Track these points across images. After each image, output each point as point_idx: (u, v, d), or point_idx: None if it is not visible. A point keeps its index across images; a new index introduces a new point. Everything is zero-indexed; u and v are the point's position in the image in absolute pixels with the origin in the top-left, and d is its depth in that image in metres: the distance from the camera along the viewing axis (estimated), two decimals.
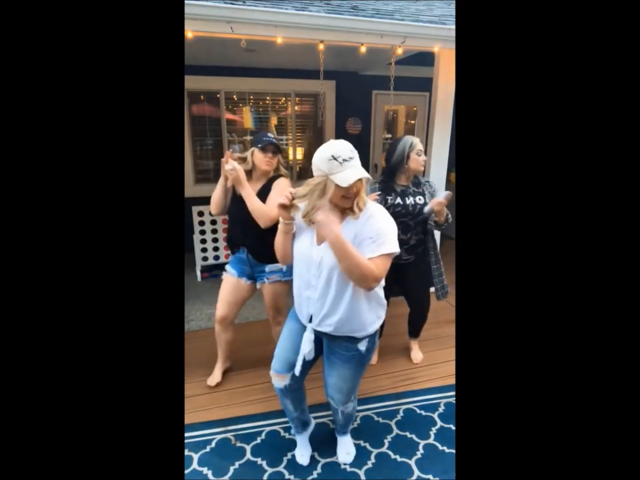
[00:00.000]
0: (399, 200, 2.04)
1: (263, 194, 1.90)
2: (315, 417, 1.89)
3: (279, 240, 1.40)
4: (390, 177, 2.09)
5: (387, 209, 2.00)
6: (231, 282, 2.04)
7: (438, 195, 2.02)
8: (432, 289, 2.29)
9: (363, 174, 1.17)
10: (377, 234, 1.22)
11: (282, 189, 1.91)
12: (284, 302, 2.10)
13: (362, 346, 1.41)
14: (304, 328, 1.43)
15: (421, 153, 2.05)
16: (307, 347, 1.40)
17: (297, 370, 1.44)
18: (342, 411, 1.61)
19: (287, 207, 1.29)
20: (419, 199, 2.06)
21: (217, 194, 1.95)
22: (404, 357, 2.48)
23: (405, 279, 2.20)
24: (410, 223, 2.06)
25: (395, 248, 1.24)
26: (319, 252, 1.28)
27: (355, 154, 1.19)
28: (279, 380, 1.53)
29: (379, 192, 2.07)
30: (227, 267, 2.09)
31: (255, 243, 1.93)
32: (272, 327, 2.22)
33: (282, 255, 1.43)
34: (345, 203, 1.23)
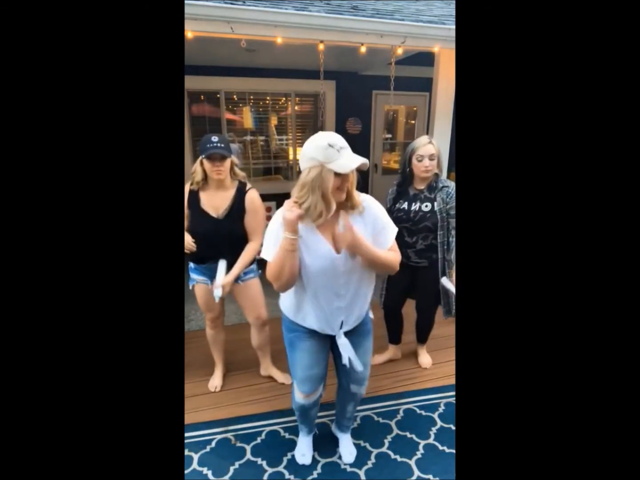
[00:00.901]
0: (405, 205, 2.02)
1: (236, 209, 1.80)
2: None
3: (285, 263, 1.16)
4: (404, 181, 2.06)
5: (392, 213, 2.01)
6: (206, 289, 1.95)
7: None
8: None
9: (362, 159, 1.12)
10: (382, 224, 1.28)
11: (259, 208, 1.84)
12: (263, 300, 2.04)
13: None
14: (323, 343, 1.43)
15: (422, 158, 1.92)
16: (348, 351, 1.37)
17: (358, 365, 1.41)
18: (359, 395, 1.62)
19: (301, 218, 1.15)
20: (426, 206, 1.98)
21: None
22: (404, 357, 2.48)
23: (415, 284, 2.16)
24: (413, 228, 2.00)
25: (395, 231, 1.32)
26: (344, 260, 1.23)
27: (347, 144, 1.17)
28: (313, 397, 1.54)
29: None
30: (194, 275, 1.97)
31: (231, 257, 1.87)
32: (256, 332, 2.11)
33: (288, 279, 1.20)
34: (339, 196, 1.17)
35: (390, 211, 2.03)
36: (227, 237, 1.81)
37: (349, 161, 1.11)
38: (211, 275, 1.93)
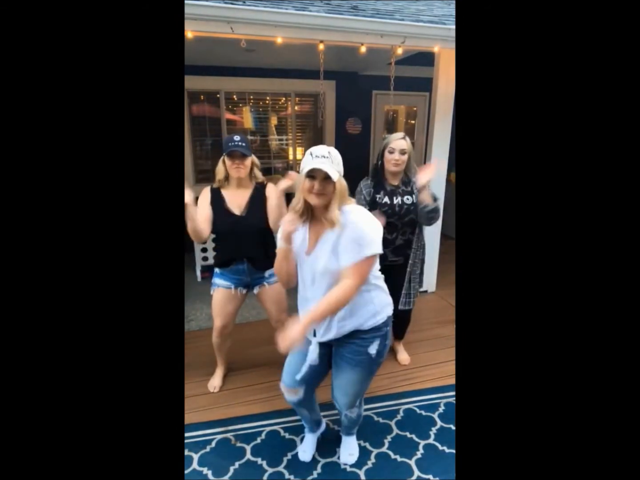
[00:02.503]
0: (386, 199, 2.03)
1: (256, 203, 1.85)
2: None
3: (281, 265, 1.35)
4: (376, 174, 2.07)
5: (375, 207, 1.99)
6: (226, 294, 1.95)
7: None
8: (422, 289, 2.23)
9: (321, 166, 1.17)
10: (360, 238, 1.20)
11: (278, 194, 1.84)
12: (286, 302, 2.04)
13: (373, 349, 1.37)
14: (309, 341, 1.40)
15: (394, 151, 1.95)
16: (313, 355, 1.37)
17: (300, 375, 1.42)
18: (347, 414, 1.61)
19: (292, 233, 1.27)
20: (407, 199, 2.02)
21: (199, 224, 1.74)
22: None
23: (390, 283, 2.15)
24: (397, 223, 2.02)
25: (375, 250, 1.21)
26: (310, 262, 1.29)
27: (331, 155, 1.21)
28: (292, 394, 1.54)
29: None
30: (217, 280, 1.97)
31: (257, 255, 1.89)
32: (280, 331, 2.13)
33: (287, 280, 1.41)
34: (311, 199, 1.23)
35: (370, 204, 2.02)
36: (250, 233, 1.83)
37: (310, 164, 1.20)
38: (236, 281, 1.94)
